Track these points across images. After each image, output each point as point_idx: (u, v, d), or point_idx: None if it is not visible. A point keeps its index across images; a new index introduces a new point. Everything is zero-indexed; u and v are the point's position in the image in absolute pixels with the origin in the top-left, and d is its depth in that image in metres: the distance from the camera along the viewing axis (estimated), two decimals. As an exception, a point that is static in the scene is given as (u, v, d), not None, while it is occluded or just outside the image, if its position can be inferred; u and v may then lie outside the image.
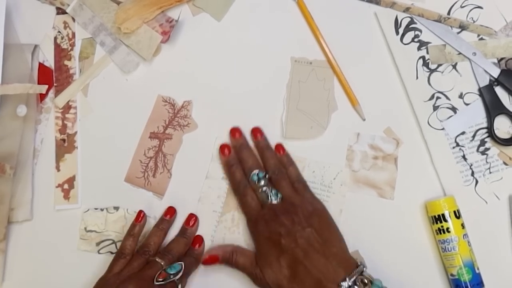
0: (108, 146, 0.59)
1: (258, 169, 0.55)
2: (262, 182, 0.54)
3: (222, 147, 0.57)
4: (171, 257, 0.52)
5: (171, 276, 0.50)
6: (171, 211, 0.56)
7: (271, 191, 0.53)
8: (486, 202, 0.56)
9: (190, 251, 0.55)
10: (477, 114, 0.57)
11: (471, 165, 0.57)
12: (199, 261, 0.55)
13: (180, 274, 0.51)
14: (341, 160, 0.57)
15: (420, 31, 0.59)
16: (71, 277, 0.57)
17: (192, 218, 0.56)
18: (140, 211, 0.56)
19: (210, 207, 0.57)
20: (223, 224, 0.57)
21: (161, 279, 0.49)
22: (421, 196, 0.56)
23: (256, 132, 0.57)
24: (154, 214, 0.57)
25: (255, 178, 0.54)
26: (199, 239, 0.56)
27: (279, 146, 0.57)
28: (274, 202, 0.53)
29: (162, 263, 0.51)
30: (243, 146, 0.57)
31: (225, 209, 0.57)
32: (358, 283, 0.47)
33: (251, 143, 0.58)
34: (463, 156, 0.57)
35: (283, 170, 0.56)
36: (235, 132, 0.57)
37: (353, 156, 0.58)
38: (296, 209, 0.52)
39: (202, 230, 0.57)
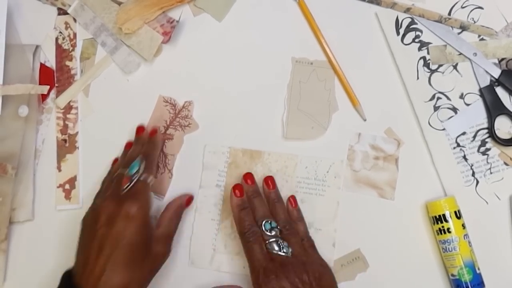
0: (109, 146, 0.59)
1: (270, 218, 0.52)
2: (274, 232, 0.51)
3: (235, 187, 0.54)
4: (131, 160, 0.52)
5: (134, 177, 0.50)
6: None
7: (283, 242, 0.50)
8: (487, 202, 0.56)
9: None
10: (477, 114, 0.58)
11: (472, 165, 0.57)
12: (158, 144, 0.56)
13: (141, 168, 0.50)
14: (342, 160, 0.58)
15: (421, 31, 0.59)
16: (73, 277, 0.57)
17: (141, 128, 0.58)
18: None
19: (208, 215, 0.57)
20: (224, 231, 0.57)
21: (125, 186, 0.49)
22: (422, 197, 0.57)
23: (268, 182, 0.55)
24: (156, 214, 0.58)
25: (268, 226, 0.51)
26: (154, 131, 0.57)
27: (292, 199, 0.55)
28: (284, 255, 0.50)
29: (124, 172, 0.51)
30: (256, 194, 0.54)
31: (223, 216, 0.57)
32: None
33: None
34: (464, 157, 0.57)
35: (294, 226, 0.53)
36: (247, 178, 0.55)
37: (354, 156, 0.58)
38: (307, 268, 0.49)
39: (203, 239, 0.57)
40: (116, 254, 0.47)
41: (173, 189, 0.58)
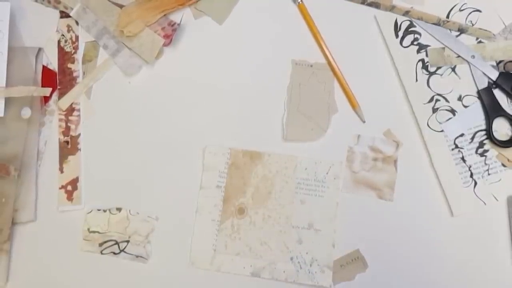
0: (111, 148, 0.60)
1: None
2: None
3: None
4: None
5: None
6: None
7: None
8: (485, 203, 0.56)
9: None
10: (476, 116, 0.58)
11: (470, 166, 0.57)
12: None
13: None
14: (341, 162, 0.58)
15: (420, 34, 0.60)
16: (74, 277, 0.58)
17: None
18: None
19: (208, 216, 0.58)
20: (224, 232, 0.57)
21: None
22: (420, 198, 0.57)
23: None
24: (156, 215, 0.58)
25: None
26: None
27: None
28: None
29: None
30: None
31: (223, 217, 0.58)
32: None
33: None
34: (462, 158, 0.57)
35: None
36: None
37: (353, 157, 0.58)
38: None
39: (203, 240, 0.57)
40: None
41: (174, 190, 0.59)
